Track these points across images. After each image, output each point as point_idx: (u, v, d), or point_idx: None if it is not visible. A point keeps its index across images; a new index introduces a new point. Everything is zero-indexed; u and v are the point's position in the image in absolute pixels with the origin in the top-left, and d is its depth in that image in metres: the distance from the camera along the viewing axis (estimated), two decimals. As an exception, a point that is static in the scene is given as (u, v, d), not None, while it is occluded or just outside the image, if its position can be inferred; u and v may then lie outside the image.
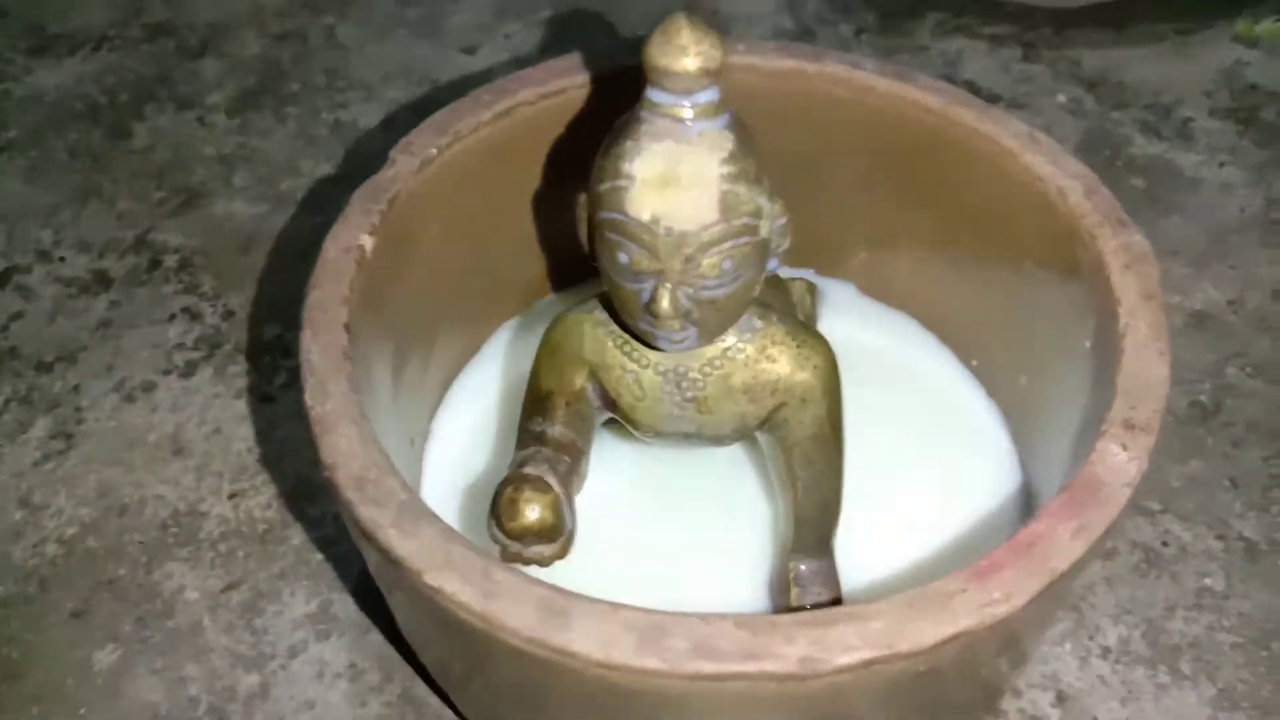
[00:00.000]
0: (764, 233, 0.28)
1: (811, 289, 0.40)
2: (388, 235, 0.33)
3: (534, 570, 0.27)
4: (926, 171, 0.37)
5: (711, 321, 0.28)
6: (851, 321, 0.40)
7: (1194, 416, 0.42)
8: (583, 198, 0.29)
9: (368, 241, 0.32)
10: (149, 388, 0.43)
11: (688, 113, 0.26)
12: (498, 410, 0.38)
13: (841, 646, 0.24)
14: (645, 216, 0.26)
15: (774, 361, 0.30)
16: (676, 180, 0.26)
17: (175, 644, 0.36)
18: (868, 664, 0.24)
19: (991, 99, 0.52)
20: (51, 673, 0.35)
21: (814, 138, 0.38)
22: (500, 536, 0.29)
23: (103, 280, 0.46)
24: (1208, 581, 0.38)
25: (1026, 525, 0.26)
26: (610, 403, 0.32)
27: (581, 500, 0.31)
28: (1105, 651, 0.36)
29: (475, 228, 0.36)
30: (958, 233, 0.38)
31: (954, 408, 0.39)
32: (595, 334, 0.31)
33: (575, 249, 0.39)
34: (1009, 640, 0.27)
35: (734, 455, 0.37)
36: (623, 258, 0.27)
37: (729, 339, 0.30)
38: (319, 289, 0.31)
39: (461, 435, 0.37)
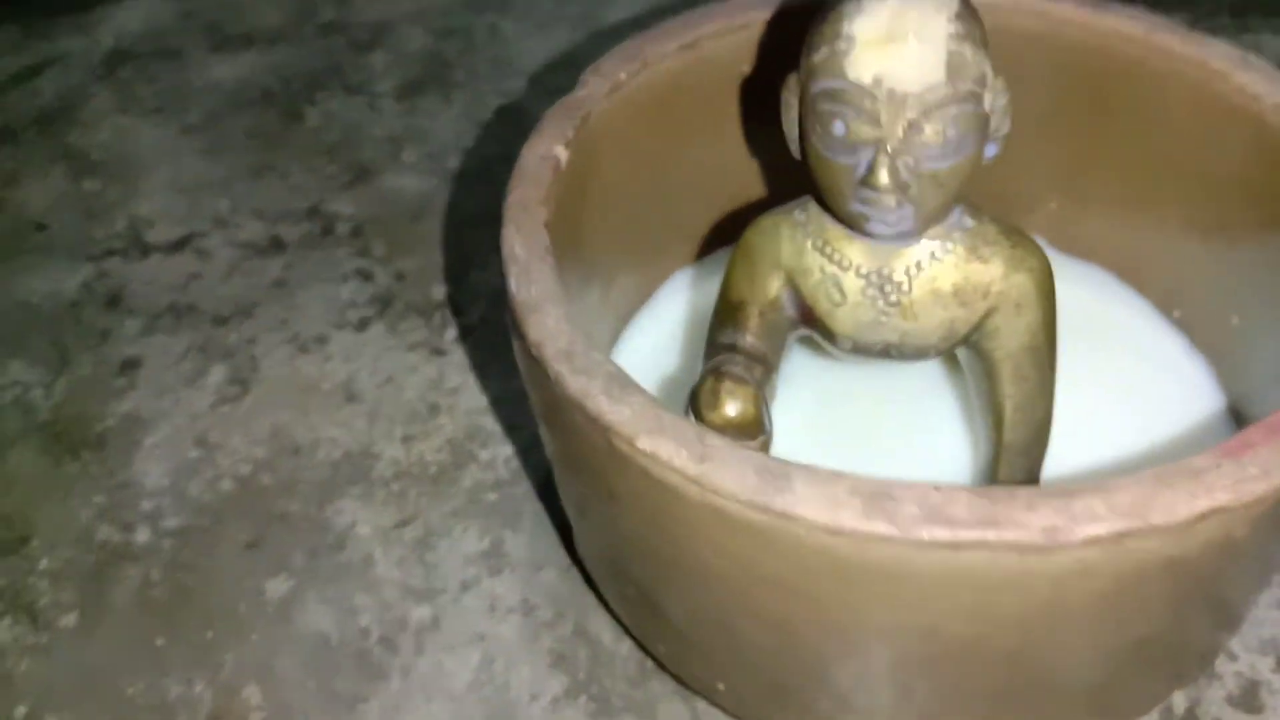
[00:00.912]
0: (987, 105, 0.26)
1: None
2: (578, 153, 0.32)
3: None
4: (1124, 107, 0.35)
5: (929, 200, 0.27)
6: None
7: None
8: (790, 80, 0.28)
9: (562, 153, 0.32)
10: (322, 340, 0.43)
11: None
12: (672, 351, 0.37)
13: (1089, 515, 0.22)
14: (866, 79, 0.25)
15: (986, 262, 0.29)
16: (901, 36, 0.25)
17: (346, 576, 0.36)
18: (1119, 537, 0.22)
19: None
20: (224, 599, 0.35)
21: (1004, 78, 0.37)
22: (700, 430, 0.27)
23: (277, 245, 0.47)
24: None
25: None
26: (806, 310, 0.30)
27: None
28: (1331, 619, 0.33)
29: (657, 159, 0.36)
30: (1157, 172, 0.36)
31: (1158, 361, 0.36)
32: (794, 235, 0.30)
33: (754, 195, 0.39)
34: (1261, 542, 0.24)
35: (930, 379, 0.35)
36: (838, 128, 0.26)
37: (936, 239, 0.29)
38: (518, 190, 0.31)
39: (636, 372, 0.36)
